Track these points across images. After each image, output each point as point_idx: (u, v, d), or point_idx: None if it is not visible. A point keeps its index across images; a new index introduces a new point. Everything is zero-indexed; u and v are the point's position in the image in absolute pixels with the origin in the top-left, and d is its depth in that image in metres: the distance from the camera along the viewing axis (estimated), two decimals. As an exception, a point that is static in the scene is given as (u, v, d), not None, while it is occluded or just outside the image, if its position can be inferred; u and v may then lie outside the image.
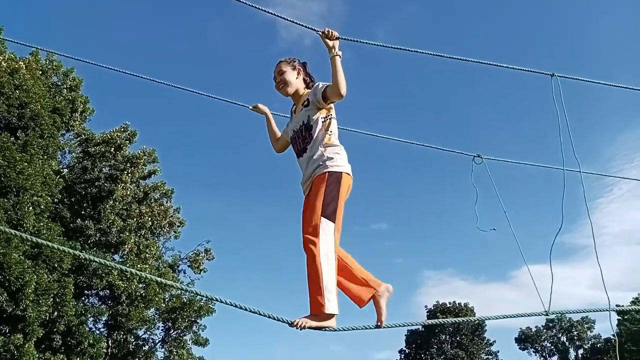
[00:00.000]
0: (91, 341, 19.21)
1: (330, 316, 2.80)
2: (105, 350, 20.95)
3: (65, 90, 19.88)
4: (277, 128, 3.62)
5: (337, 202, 2.95)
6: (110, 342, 21.98)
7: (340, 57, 3.06)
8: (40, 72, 18.53)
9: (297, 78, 3.32)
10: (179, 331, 23.50)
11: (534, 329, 56.48)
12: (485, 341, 53.77)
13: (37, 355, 15.98)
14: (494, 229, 4.23)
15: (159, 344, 23.68)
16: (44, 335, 16.86)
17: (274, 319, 2.75)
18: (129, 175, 20.88)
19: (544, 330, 55.79)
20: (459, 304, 54.78)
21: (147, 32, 64.06)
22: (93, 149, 20.41)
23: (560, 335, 55.90)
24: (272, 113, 3.74)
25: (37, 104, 16.46)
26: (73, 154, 21.30)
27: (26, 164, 15.49)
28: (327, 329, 2.80)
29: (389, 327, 3.10)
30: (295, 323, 2.76)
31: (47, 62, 19.22)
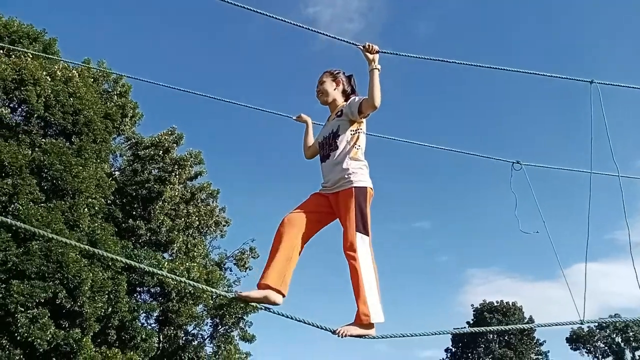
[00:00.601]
0: (144, 336, 20.06)
1: (372, 325, 3.02)
2: (157, 345, 21.81)
3: (115, 96, 20.77)
4: (313, 137, 3.86)
5: (366, 216, 3.18)
6: (161, 337, 22.83)
7: (379, 70, 3.23)
8: (92, 80, 19.45)
9: (335, 89, 3.52)
10: (227, 327, 24.13)
11: (586, 329, 54.59)
12: (534, 341, 52.42)
13: (94, 349, 16.82)
14: (537, 232, 4.30)
15: (208, 339, 24.42)
16: (100, 330, 17.72)
17: (317, 327, 2.96)
18: (177, 176, 21.63)
19: (597, 331, 53.82)
20: (506, 302, 53.63)
21: (187, 35, 65.70)
22: (143, 152, 21.25)
23: (614, 335, 53.84)
24: (313, 122, 3.97)
25: (90, 111, 17.31)
26: (124, 157, 22.22)
27: (81, 167, 16.33)
28: (367, 336, 3.02)
29: (426, 334, 3.24)
30: (338, 331, 2.98)
31: (98, 70, 20.13)
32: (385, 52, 3.40)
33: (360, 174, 3.26)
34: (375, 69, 3.23)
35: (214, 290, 3.24)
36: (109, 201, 19.33)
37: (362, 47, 3.30)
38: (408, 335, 3.25)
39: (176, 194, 22.23)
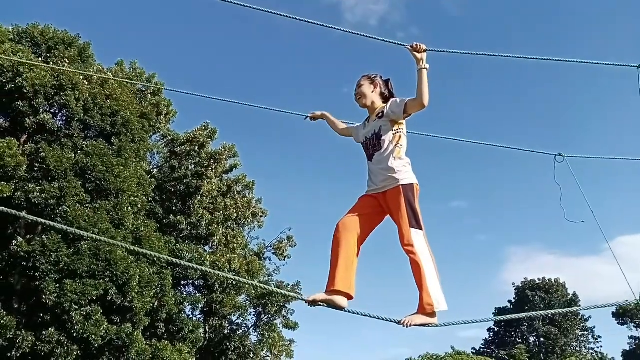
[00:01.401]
0: (191, 327, 20.60)
1: (435, 313, 3.15)
2: (203, 336, 22.37)
3: (149, 95, 21.16)
4: (339, 121, 4.05)
5: (416, 211, 3.31)
6: (207, 327, 23.40)
7: (427, 69, 3.30)
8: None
9: (372, 92, 3.61)
10: (269, 316, 24.55)
11: (633, 303, 53.26)
12: (579, 317, 51.53)
13: (145, 343, 17.38)
14: (583, 222, 4.27)
15: (252, 328, 24.91)
16: (149, 324, 18.27)
17: (383, 319, 3.09)
18: (213, 171, 21.98)
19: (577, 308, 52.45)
20: (548, 279, 52.77)
21: (214, 30, 66.10)
22: (179, 149, 21.65)
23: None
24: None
25: (126, 111, 17.71)
26: (161, 154, 22.67)
27: (122, 167, 16.77)
28: (430, 325, 3.15)
29: (485, 320, 3.28)
30: (402, 322, 3.12)
31: (132, 70, 20.53)
32: (433, 50, 3.42)
33: (405, 172, 3.38)
34: (424, 68, 3.29)
35: (266, 286, 3.30)
36: (149, 199, 19.82)
37: (409, 47, 3.37)
38: (468, 322, 3.32)
39: (213, 187, 22.59)
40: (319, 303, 3.16)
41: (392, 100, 3.49)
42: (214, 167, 22.10)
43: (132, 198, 17.16)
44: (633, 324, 53.98)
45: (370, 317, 3.04)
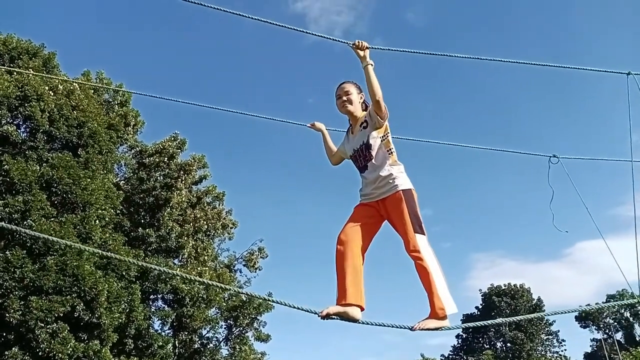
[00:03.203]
0: (160, 343, 20.17)
1: (446, 316, 3.18)
2: (172, 351, 21.91)
3: (116, 105, 20.76)
4: (333, 144, 3.99)
5: (418, 216, 3.35)
6: (176, 342, 22.94)
7: (372, 65, 3.35)
8: (93, 91, 19.43)
9: (359, 101, 3.64)
10: (241, 328, 24.26)
11: (637, 302, 54.89)
12: (544, 321, 52.76)
13: (113, 359, 16.90)
14: (567, 232, 4.39)
15: (223, 341, 24.54)
16: (118, 340, 17.79)
17: (396, 326, 3.13)
18: (183, 182, 21.67)
19: (606, 307, 54.08)
20: (514, 285, 53.91)
21: (182, 39, 65.49)
22: (147, 160, 21.27)
23: (623, 311, 54.23)
24: (328, 129, 4.08)
25: (93, 122, 17.31)
26: (128, 166, 22.22)
27: (89, 179, 16.35)
28: (443, 328, 3.18)
29: (499, 323, 3.34)
30: (415, 327, 3.14)
31: (98, 81, 20.12)
32: (374, 48, 3.51)
33: (402, 178, 3.41)
34: (369, 64, 3.34)
35: (268, 298, 3.24)
36: (117, 211, 19.38)
37: (352, 45, 3.42)
38: (482, 324, 3.42)
39: (183, 199, 22.27)
40: (332, 316, 3.12)
41: (369, 108, 3.50)
42: (183, 179, 21.79)
43: (100, 211, 16.74)
44: (595, 327, 55.65)
45: (384, 325, 3.05)
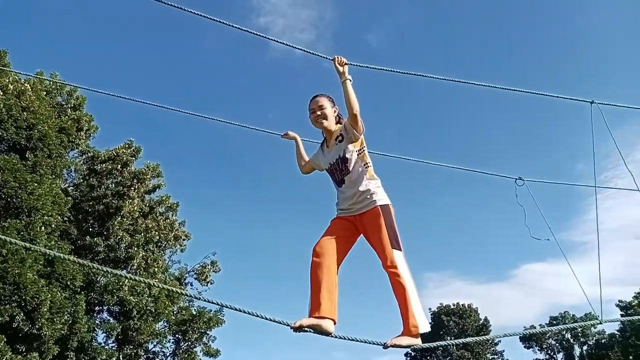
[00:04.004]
0: (104, 356, 19.42)
1: (419, 334, 3.18)
2: (117, 366, 21.12)
3: (69, 109, 20.12)
4: (305, 153, 3.94)
5: (396, 232, 3.34)
6: (121, 356, 22.13)
7: (350, 80, 3.37)
8: (45, 93, 18.78)
9: (333, 115, 3.61)
10: (189, 343, 23.67)
11: (537, 327, 56.63)
12: (490, 341, 53.90)
13: (53, 373, 16.14)
14: (548, 239, 4.53)
15: (170, 356, 23.86)
16: (59, 353, 17.02)
17: (369, 342, 3.10)
18: (135, 191, 21.12)
19: (549, 329, 55.90)
20: (462, 305, 54.96)
21: (142, 46, 64.45)
22: (99, 167, 20.64)
23: (564, 332, 56.05)
24: (303, 140, 4.03)
25: (44, 125, 16.71)
26: (79, 172, 21.49)
27: (36, 184, 15.72)
28: (414, 345, 3.17)
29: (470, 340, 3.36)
30: (387, 344, 3.12)
31: (52, 82, 19.47)
32: (354, 65, 3.56)
33: (380, 193, 3.40)
34: (347, 79, 3.36)
35: (240, 309, 3.14)
36: (64, 218, 18.68)
37: (332, 60, 3.46)
38: (454, 345, 3.37)
39: (135, 208, 21.68)
40: (305, 329, 3.07)
41: (344, 121, 3.49)
42: (136, 187, 21.23)
43: (46, 217, 16.07)
44: (538, 347, 57.25)
45: (356, 340, 3.02)
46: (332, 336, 3.10)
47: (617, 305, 48.63)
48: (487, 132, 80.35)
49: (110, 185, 20.96)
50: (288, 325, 2.99)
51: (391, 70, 4.00)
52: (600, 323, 3.72)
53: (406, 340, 3.15)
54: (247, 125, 4.82)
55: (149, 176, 21.90)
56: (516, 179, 4.66)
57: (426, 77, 4.07)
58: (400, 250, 3.30)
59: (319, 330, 3.09)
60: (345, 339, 3.06)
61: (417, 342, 3.18)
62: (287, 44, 3.88)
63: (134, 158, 21.60)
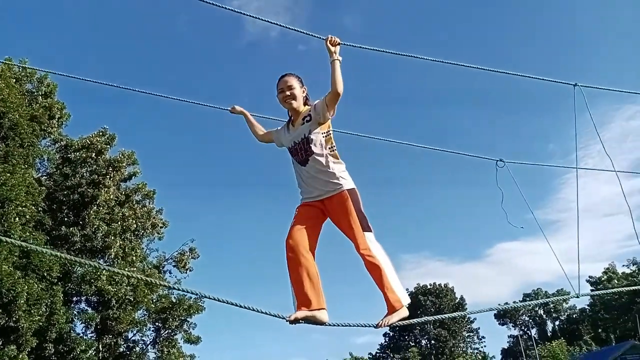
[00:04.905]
0: (83, 347, 19.24)
1: (403, 307, 3.25)
2: (96, 355, 20.96)
3: (40, 97, 19.59)
4: (258, 123, 3.94)
5: (363, 214, 3.37)
6: (100, 346, 21.97)
7: (340, 61, 3.35)
8: (14, 80, 18.23)
9: (302, 95, 3.55)
10: (170, 331, 23.58)
11: (512, 304, 58.08)
12: (466, 319, 55.16)
13: (32, 366, 15.97)
14: (522, 227, 4.62)
15: (150, 344, 23.75)
16: (37, 345, 16.81)
17: (361, 325, 3.16)
18: (111, 179, 20.78)
19: (527, 303, 57.44)
20: (439, 284, 56.00)
21: (114, 31, 62.93)
22: (73, 155, 20.21)
23: (537, 308, 57.68)
24: (253, 114, 4.01)
25: (15, 113, 16.25)
26: (51, 160, 21.02)
27: (9, 174, 15.35)
28: (402, 319, 3.25)
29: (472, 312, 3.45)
30: (379, 324, 3.20)
31: (21, 69, 18.90)
32: (346, 44, 3.55)
33: (346, 177, 3.39)
34: (337, 59, 3.33)
35: (230, 302, 3.13)
36: (39, 209, 18.31)
37: (325, 39, 3.42)
38: (446, 318, 3.49)
39: (110, 196, 21.35)
40: (300, 321, 3.10)
41: (315, 102, 3.44)
42: (112, 175, 20.88)
43: (20, 208, 15.72)
44: (512, 324, 58.84)
45: (350, 325, 3.07)
46: (327, 325, 3.13)
47: (588, 281, 50.19)
48: (459, 114, 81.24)
49: (84, 174, 20.57)
50: (283, 318, 3.01)
51: (383, 51, 3.99)
52: (577, 297, 3.83)
53: (395, 317, 3.22)
54: (219, 106, 4.68)
55: (124, 164, 21.56)
56: (497, 160, 4.70)
57: (416, 57, 4.08)
58: (371, 231, 3.35)
59: (313, 321, 3.13)
60: (339, 325, 3.11)
61: (405, 313, 3.25)
62: (279, 25, 3.83)
63: (108, 146, 21.23)
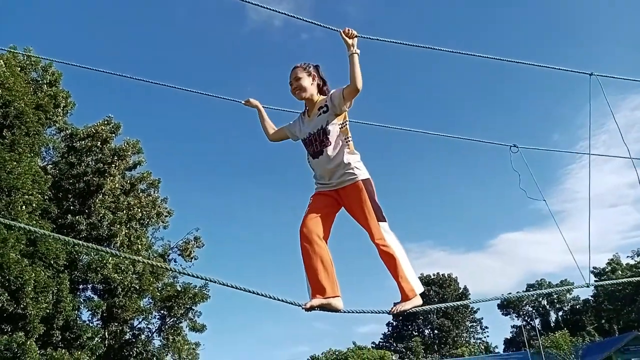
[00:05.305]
0: (89, 334, 19.41)
1: (417, 295, 3.29)
2: (102, 342, 21.16)
3: (45, 85, 19.61)
4: (270, 121, 3.93)
5: (377, 204, 3.39)
6: (106, 333, 22.17)
7: (358, 54, 3.32)
8: (19, 69, 18.25)
9: (312, 84, 3.53)
10: (175, 319, 23.76)
11: (515, 293, 58.14)
12: (469, 309, 55.29)
13: (39, 352, 16.11)
14: (544, 200, 4.62)
15: (156, 332, 23.94)
16: (45, 332, 16.98)
17: (376, 312, 3.23)
18: (116, 168, 20.84)
19: (538, 292, 57.39)
20: (442, 274, 56.11)
21: (116, 19, 62.79)
22: (78, 144, 20.26)
23: (541, 299, 57.75)
24: (263, 106, 4.00)
25: (20, 102, 16.28)
26: (57, 149, 21.08)
27: (15, 163, 15.41)
28: (416, 307, 3.28)
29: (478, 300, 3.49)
30: (392, 311, 3.24)
31: (25, 58, 18.91)
32: (363, 37, 3.50)
33: (360, 167, 3.41)
34: (355, 53, 3.30)
35: (246, 289, 3.13)
36: (45, 197, 18.40)
37: (341, 32, 3.39)
38: (453, 305, 3.56)
39: (116, 185, 21.44)
40: (316, 308, 3.15)
41: (332, 92, 3.43)
42: (117, 164, 20.94)
43: (27, 196, 15.82)
44: (515, 314, 58.95)
45: (364, 312, 3.10)
46: (342, 311, 3.17)
47: (592, 272, 50.19)
48: (466, 102, 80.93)
49: (90, 163, 20.63)
50: (299, 305, 3.03)
51: (399, 43, 3.96)
52: (587, 286, 3.85)
53: (409, 304, 3.25)
54: (222, 96, 4.66)
55: (129, 153, 21.60)
56: (511, 146, 4.70)
57: (432, 49, 4.05)
58: (385, 221, 3.37)
59: (329, 309, 3.17)
60: (354, 312, 3.14)
61: (419, 301, 3.28)
62: (287, 14, 3.79)
63: (113, 135, 21.27)
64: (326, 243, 3.35)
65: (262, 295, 2.82)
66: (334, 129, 3.38)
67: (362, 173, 3.39)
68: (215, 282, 2.68)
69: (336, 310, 3.18)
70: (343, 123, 3.42)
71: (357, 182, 3.35)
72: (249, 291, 2.75)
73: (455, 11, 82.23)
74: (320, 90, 3.55)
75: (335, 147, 3.37)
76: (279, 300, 2.86)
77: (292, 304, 2.93)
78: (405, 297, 3.26)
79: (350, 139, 3.43)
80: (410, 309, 3.27)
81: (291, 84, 3.54)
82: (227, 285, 2.66)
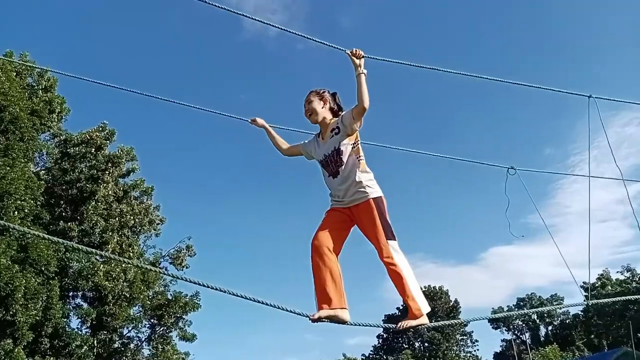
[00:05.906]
0: (78, 342, 19.22)
1: (424, 315, 3.35)
2: (91, 350, 20.93)
3: (40, 91, 19.56)
4: (279, 137, 4.03)
5: (388, 222, 3.46)
6: (95, 341, 21.94)
7: (365, 75, 3.43)
8: (15, 74, 18.20)
9: (322, 108, 3.66)
10: (165, 328, 23.55)
11: (505, 309, 58.23)
12: (460, 322, 55.19)
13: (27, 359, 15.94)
14: (523, 236, 4.68)
15: (145, 341, 23.71)
16: (33, 339, 16.79)
17: (384, 327, 3.26)
18: (110, 175, 20.77)
19: (516, 309, 57.49)
20: (433, 287, 56.06)
21: (111, 26, 62.82)
22: (72, 150, 20.18)
23: (532, 313, 57.78)
24: (271, 126, 4.09)
25: (15, 107, 16.23)
26: (50, 155, 20.98)
27: (8, 168, 15.34)
28: (422, 325, 3.35)
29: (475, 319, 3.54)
30: (398, 327, 3.32)
31: (21, 63, 18.86)
32: (370, 57, 3.58)
33: (373, 185, 3.51)
34: (362, 73, 3.41)
35: (252, 298, 3.14)
36: (37, 203, 18.28)
37: (349, 53, 3.50)
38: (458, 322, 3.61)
39: (109, 192, 21.33)
40: (323, 319, 3.21)
41: (342, 114, 3.55)
42: (110, 171, 20.86)
43: (19, 202, 15.72)
44: (505, 328, 58.93)
45: (370, 326, 3.13)
46: (348, 324, 3.20)
47: (582, 287, 50.33)
48: (459, 119, 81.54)
49: (83, 169, 20.54)
50: (307, 316, 3.06)
51: (406, 64, 4.02)
52: (588, 305, 3.88)
53: (415, 322, 3.33)
54: (218, 111, 4.72)
55: (123, 160, 21.54)
56: (508, 168, 4.75)
57: (437, 70, 4.11)
58: (395, 239, 3.44)
59: (335, 320, 3.23)
60: (360, 325, 3.16)
61: (425, 321, 3.35)
62: (292, 32, 3.85)
63: (107, 141, 21.21)
64: (337, 257, 3.43)
65: (270, 305, 2.84)
66: (346, 149, 3.51)
67: (374, 191, 3.49)
68: (225, 291, 2.69)
69: (343, 322, 3.24)
70: (355, 143, 3.55)
71: (369, 200, 3.44)
72: (258, 301, 2.76)
73: (447, 27, 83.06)
74: (335, 115, 3.68)
75: (348, 166, 3.49)
76: (286, 310, 2.88)
77: (299, 314, 2.95)
78: (412, 316, 3.33)
79: (362, 157, 3.55)
80: (416, 326, 3.33)
81: (304, 107, 3.70)
82: (239, 296, 2.67)
